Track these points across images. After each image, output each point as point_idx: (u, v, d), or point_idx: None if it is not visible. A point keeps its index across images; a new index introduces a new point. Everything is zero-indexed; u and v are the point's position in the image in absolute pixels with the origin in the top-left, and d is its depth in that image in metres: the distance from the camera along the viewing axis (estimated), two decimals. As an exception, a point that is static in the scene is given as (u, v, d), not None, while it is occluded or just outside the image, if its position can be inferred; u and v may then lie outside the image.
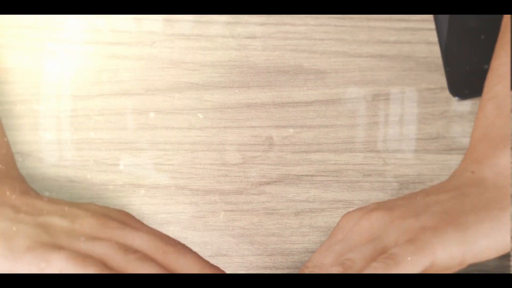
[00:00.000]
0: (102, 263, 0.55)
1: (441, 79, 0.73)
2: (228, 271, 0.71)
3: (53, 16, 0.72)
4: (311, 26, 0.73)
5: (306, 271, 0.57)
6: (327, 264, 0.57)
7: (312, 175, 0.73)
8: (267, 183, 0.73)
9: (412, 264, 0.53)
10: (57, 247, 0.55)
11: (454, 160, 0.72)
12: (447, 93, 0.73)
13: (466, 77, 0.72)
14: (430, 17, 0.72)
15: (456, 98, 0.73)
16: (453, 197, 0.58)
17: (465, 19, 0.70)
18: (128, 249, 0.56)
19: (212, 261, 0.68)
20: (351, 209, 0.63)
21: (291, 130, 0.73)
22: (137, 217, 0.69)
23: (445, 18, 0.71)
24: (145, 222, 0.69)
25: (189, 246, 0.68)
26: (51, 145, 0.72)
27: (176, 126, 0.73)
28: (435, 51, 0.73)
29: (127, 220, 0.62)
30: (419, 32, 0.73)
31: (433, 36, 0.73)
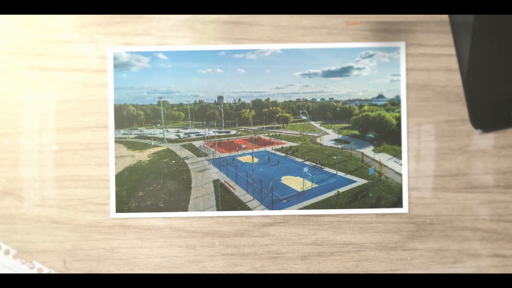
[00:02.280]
0: None
1: (461, 110, 0.68)
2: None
3: (35, 41, 0.68)
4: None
5: None
6: None
7: (320, 215, 0.68)
8: (271, 224, 0.68)
9: None
10: None
11: (476, 199, 0.67)
12: (468, 125, 0.68)
13: (489, 107, 0.67)
14: (450, 41, 0.67)
15: (478, 131, 0.68)
16: None
17: (489, 42, 0.66)
18: None
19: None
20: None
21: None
22: (127, 261, 0.66)
23: (466, 42, 0.67)
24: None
25: (184, 293, 0.63)
26: (33, 182, 0.68)
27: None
28: (455, 80, 0.68)
29: None
30: (437, 58, 0.68)
31: (453, 63, 0.68)
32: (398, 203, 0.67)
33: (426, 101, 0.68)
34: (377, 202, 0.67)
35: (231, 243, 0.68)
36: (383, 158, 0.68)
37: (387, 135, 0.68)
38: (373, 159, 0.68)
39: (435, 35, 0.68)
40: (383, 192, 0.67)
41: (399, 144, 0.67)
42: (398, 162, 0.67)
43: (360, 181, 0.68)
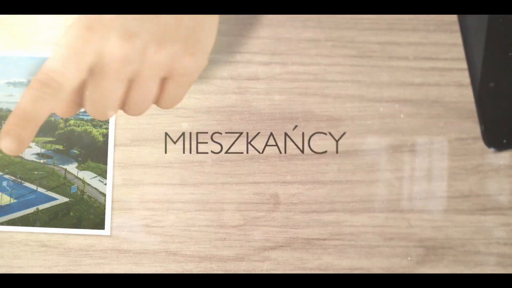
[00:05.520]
0: None
1: (474, 128, 0.66)
2: None
3: (18, 52, 0.66)
4: (323, 66, 0.67)
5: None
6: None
7: (324, 239, 0.66)
8: (272, 248, 0.66)
9: None
10: None
11: (490, 222, 0.66)
12: (481, 143, 0.66)
13: (504, 124, 0.65)
14: (461, 55, 0.66)
15: (491, 150, 0.66)
16: None
17: (503, 55, 0.65)
18: None
19: None
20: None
21: (300, 186, 0.67)
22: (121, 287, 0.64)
23: (479, 55, 0.65)
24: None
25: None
26: (20, 205, 0.66)
27: (166, 182, 0.67)
28: (467, 95, 0.66)
29: None
30: (449, 72, 0.67)
31: (465, 77, 0.66)
32: (100, 225, 0.66)
33: (436, 117, 0.66)
34: (78, 222, 0.66)
35: (230, 267, 0.66)
36: (87, 176, 0.67)
37: (93, 152, 0.67)
38: (77, 177, 0.67)
39: (446, 47, 0.66)
40: (85, 212, 0.66)
41: (105, 162, 0.66)
42: (102, 182, 0.66)
43: (62, 199, 0.67)
